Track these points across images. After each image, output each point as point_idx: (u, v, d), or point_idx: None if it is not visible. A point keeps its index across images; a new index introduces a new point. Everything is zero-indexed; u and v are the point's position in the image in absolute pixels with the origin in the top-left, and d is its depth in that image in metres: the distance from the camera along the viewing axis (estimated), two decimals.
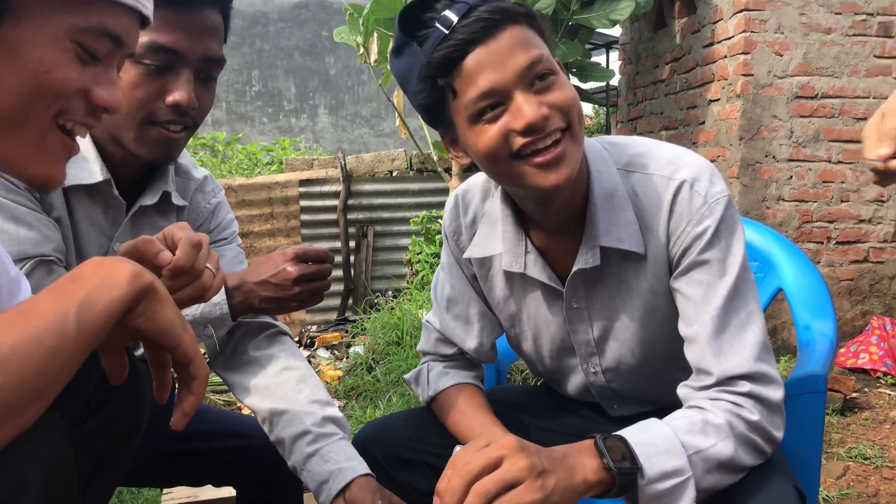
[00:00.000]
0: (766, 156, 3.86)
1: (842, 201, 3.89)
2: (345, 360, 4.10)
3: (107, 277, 0.69)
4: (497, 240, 1.21)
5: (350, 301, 5.15)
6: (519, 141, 1.02)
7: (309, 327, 4.79)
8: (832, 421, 2.97)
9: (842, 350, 3.73)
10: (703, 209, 1.06)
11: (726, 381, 1.01)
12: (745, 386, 1.00)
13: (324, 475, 1.21)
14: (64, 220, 1.19)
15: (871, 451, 2.68)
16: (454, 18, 0.99)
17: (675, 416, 1.00)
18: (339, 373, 3.83)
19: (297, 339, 4.31)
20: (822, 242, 3.91)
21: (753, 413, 0.98)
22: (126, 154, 1.20)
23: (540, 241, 1.20)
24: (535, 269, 1.19)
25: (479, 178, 1.27)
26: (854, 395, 3.24)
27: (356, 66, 11.34)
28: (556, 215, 1.13)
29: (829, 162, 3.86)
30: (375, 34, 4.18)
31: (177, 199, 1.33)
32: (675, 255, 1.09)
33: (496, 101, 1.01)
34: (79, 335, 0.64)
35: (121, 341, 0.77)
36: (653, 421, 0.99)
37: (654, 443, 0.94)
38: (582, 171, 1.11)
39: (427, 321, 1.37)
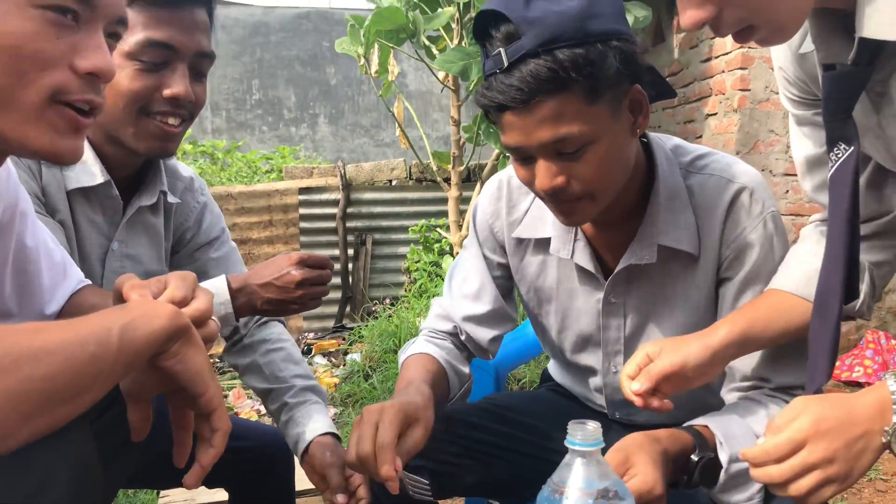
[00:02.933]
0: (763, 170, 3.89)
1: None
2: (342, 367, 4.11)
3: (150, 310, 0.71)
4: (548, 224, 1.22)
5: (348, 309, 5.16)
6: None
7: (306, 334, 4.81)
8: None
9: (837, 363, 3.75)
10: (759, 218, 1.10)
11: (783, 390, 1.09)
12: (773, 381, 1.10)
13: (294, 437, 1.35)
14: (67, 222, 1.23)
15: None
16: (502, 63, 0.97)
17: (739, 407, 1.08)
18: (336, 380, 3.84)
19: None
20: None
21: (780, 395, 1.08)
22: (123, 153, 1.24)
23: (589, 230, 1.21)
24: (583, 257, 1.20)
25: None
26: None
27: (356, 77, 11.38)
28: (611, 209, 1.13)
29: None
30: (376, 45, 4.21)
31: (171, 198, 1.39)
32: (726, 257, 1.12)
33: (524, 155, 1.05)
34: (119, 351, 0.66)
35: (150, 389, 0.78)
36: (722, 413, 1.06)
37: (731, 431, 1.01)
38: (640, 166, 1.13)
39: (436, 301, 1.39)
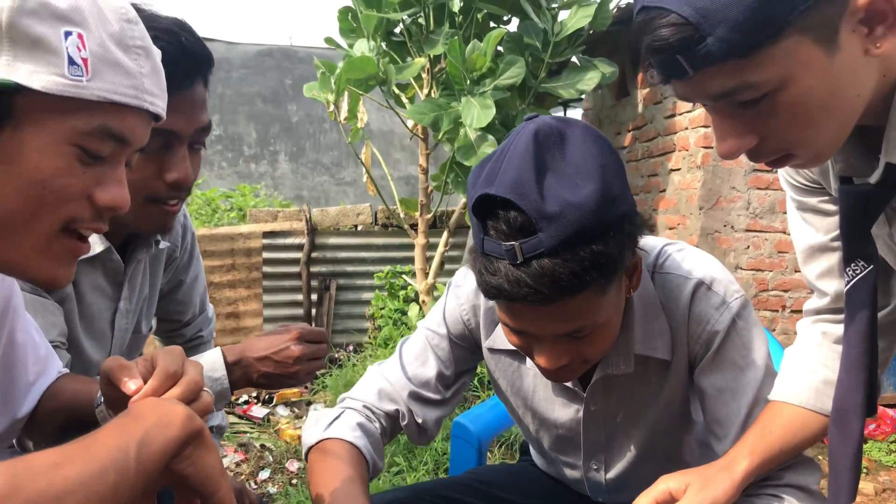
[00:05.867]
0: (725, 225, 3.98)
1: (795, 271, 4.03)
2: (304, 417, 4.03)
3: (162, 417, 0.70)
4: None
5: None
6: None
7: None
8: None
9: None
10: (721, 308, 1.08)
11: (794, 487, 1.05)
12: (784, 478, 1.05)
13: None
14: (70, 294, 1.21)
15: None
16: (516, 258, 0.89)
17: None
18: (300, 432, 3.76)
19: (255, 394, 4.22)
20: (777, 311, 4.03)
21: (791, 502, 1.03)
22: (122, 228, 1.22)
23: None
24: None
25: None
26: None
27: (318, 114, 11.39)
28: None
29: (784, 233, 4.00)
30: (346, 93, 4.22)
31: (163, 244, 1.38)
32: (696, 354, 1.11)
33: (525, 336, 1.02)
34: (137, 472, 0.64)
35: (159, 485, 0.76)
36: None
37: None
38: None
39: (378, 371, 1.26)
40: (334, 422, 1.18)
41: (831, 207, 1.02)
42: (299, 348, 1.23)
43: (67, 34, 0.68)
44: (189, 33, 1.12)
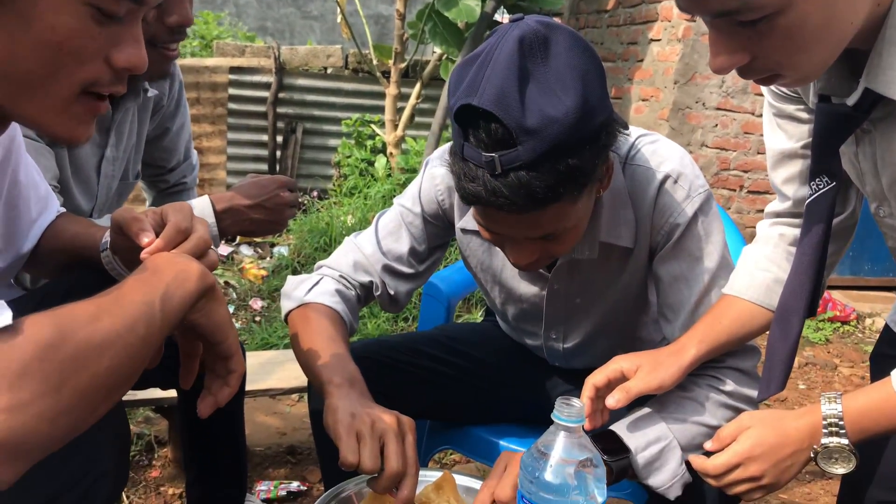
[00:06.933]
0: (697, 102, 4.00)
1: (758, 153, 4.12)
2: (268, 259, 4.11)
3: (180, 273, 0.74)
4: None
5: None
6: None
7: None
8: None
9: None
10: (685, 202, 1.13)
11: (733, 370, 1.13)
12: (725, 361, 1.14)
13: None
14: None
15: None
16: (494, 168, 0.93)
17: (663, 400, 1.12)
18: (263, 272, 3.85)
19: None
20: (735, 190, 4.15)
21: (728, 384, 1.12)
22: None
23: None
24: None
25: None
26: None
27: None
28: None
29: (753, 114, 4.05)
30: None
31: (151, 91, 1.38)
32: (657, 243, 1.18)
33: (498, 236, 1.07)
34: (162, 324, 0.69)
35: (193, 345, 0.81)
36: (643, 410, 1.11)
37: (643, 429, 1.08)
38: None
39: (354, 242, 1.31)
40: (314, 288, 1.23)
41: (806, 116, 1.06)
42: (288, 195, 1.28)
43: None
44: None
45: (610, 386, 1.07)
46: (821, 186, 0.94)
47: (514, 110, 0.90)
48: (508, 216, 0.98)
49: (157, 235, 0.85)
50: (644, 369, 1.07)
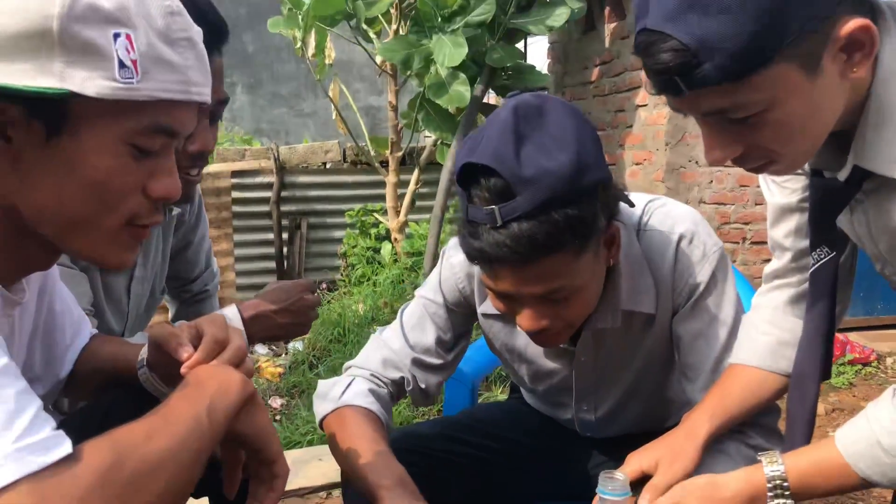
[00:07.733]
0: (690, 161, 4.09)
1: (756, 204, 4.17)
2: (284, 356, 4.11)
3: (222, 383, 0.77)
4: None
5: None
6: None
7: None
8: None
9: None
10: (703, 262, 1.17)
11: (763, 427, 1.15)
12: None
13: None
14: (92, 266, 1.24)
15: None
16: (495, 221, 0.96)
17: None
18: (280, 370, 3.85)
19: None
20: (738, 243, 4.19)
21: (756, 438, 1.14)
22: None
23: None
24: None
25: None
26: None
27: (274, 45, 11.07)
28: None
29: None
30: (314, 30, 4.16)
31: (175, 210, 1.44)
32: (678, 305, 1.20)
33: (509, 299, 1.09)
34: (211, 436, 0.72)
35: (236, 453, 0.83)
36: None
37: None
38: None
39: (381, 339, 1.33)
40: (347, 390, 1.24)
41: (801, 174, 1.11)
42: (311, 297, 1.31)
43: (116, 36, 0.70)
44: (207, 3, 1.13)
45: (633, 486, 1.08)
46: (821, 257, 0.99)
47: (511, 162, 0.95)
48: (513, 271, 1.00)
49: (195, 348, 0.87)
50: (664, 461, 1.07)
